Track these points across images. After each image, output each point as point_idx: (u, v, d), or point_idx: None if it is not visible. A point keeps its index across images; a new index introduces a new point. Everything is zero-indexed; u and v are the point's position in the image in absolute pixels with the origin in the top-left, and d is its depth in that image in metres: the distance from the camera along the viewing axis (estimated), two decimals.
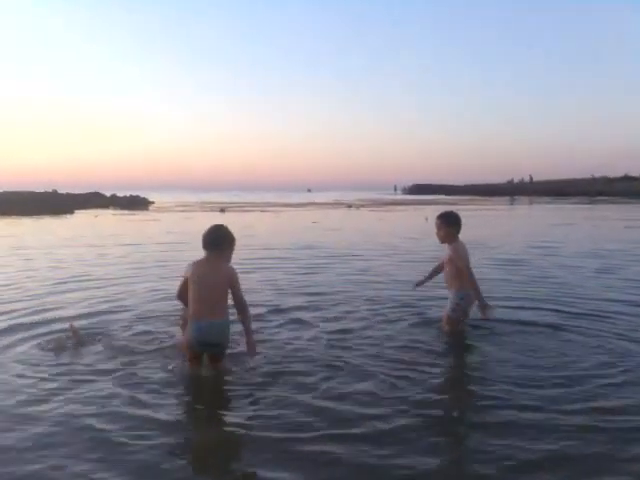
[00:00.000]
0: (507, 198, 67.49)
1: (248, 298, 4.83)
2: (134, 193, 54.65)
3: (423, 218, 28.00)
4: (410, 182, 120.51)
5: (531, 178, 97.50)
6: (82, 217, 31.33)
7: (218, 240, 4.73)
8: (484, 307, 5.53)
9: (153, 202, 52.12)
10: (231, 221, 28.00)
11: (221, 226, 4.84)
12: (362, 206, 47.55)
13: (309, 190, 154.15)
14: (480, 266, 10.49)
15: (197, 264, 4.66)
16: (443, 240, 5.84)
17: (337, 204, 53.28)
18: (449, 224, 5.77)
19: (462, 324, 5.89)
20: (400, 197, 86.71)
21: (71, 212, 35.01)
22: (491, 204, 49.93)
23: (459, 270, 5.63)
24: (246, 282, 8.99)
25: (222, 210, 39.99)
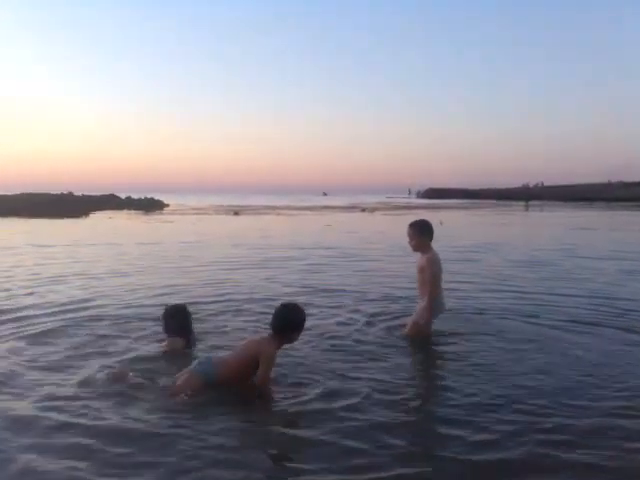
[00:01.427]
0: (522, 203, 67.02)
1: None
2: (149, 195, 54.76)
3: (437, 222, 27.93)
4: (424, 186, 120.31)
5: (542, 184, 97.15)
6: (98, 219, 31.48)
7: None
8: (423, 327, 5.70)
9: (168, 205, 52.31)
10: (244, 224, 28.45)
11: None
12: (376, 210, 47.42)
13: (325, 194, 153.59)
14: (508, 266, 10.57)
15: None
16: (415, 249, 5.85)
17: (351, 208, 53.20)
18: (421, 233, 5.78)
19: (429, 331, 5.81)
20: (415, 201, 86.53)
21: (86, 214, 35.20)
22: (505, 210, 49.49)
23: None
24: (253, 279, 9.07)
25: (236, 213, 40.07)
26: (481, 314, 7.10)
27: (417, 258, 5.91)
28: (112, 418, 3.83)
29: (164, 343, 5.31)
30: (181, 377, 4.27)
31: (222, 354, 4.59)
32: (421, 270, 5.72)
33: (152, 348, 5.40)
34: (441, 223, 27.02)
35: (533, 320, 6.78)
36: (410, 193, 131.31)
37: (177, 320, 5.29)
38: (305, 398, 4.20)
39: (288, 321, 4.36)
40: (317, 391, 4.31)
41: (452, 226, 25.81)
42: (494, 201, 74.60)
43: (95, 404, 4.06)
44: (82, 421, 3.78)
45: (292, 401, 4.16)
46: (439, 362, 5.33)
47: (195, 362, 4.38)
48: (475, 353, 5.41)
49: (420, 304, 5.77)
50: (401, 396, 4.33)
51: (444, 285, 5.96)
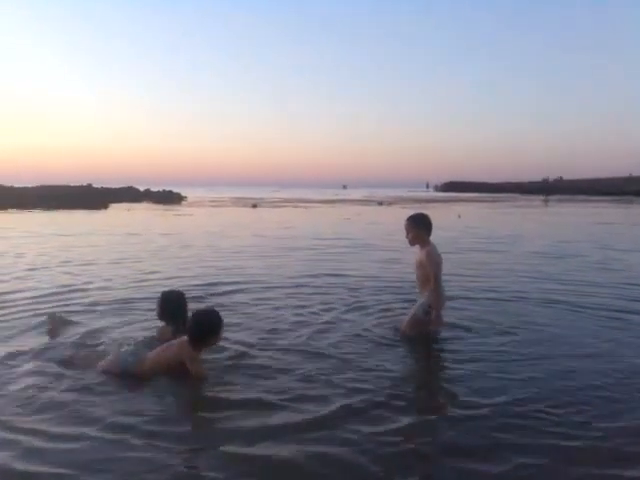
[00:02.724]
0: (541, 197, 66.24)
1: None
2: (167, 188, 55.05)
3: (456, 215, 27.77)
4: (442, 179, 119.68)
5: (561, 178, 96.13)
6: (117, 211, 31.72)
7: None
8: (437, 320, 5.50)
9: (186, 197, 52.55)
10: (262, 216, 28.56)
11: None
12: (393, 203, 47.18)
13: (345, 187, 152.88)
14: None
15: None
16: (412, 243, 5.63)
17: (368, 201, 53.02)
18: (418, 226, 5.56)
19: (425, 328, 5.61)
20: (433, 194, 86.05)
21: (105, 206, 35.45)
22: (524, 203, 48.99)
23: (428, 275, 5.46)
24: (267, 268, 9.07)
25: (254, 206, 40.10)
26: (511, 301, 7.28)
27: (415, 252, 5.71)
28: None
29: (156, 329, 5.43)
30: (109, 357, 4.55)
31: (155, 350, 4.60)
32: (420, 265, 5.53)
33: (144, 333, 5.53)
34: (459, 216, 26.92)
35: (576, 309, 6.88)
36: (428, 187, 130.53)
37: (169, 306, 5.34)
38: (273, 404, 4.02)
39: (203, 327, 4.42)
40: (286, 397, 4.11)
41: (470, 219, 25.65)
42: (513, 195, 73.82)
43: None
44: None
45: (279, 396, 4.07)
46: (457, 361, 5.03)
47: (130, 348, 4.59)
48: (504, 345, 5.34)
49: (420, 300, 5.58)
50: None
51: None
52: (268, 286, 8.27)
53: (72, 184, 43.69)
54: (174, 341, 4.60)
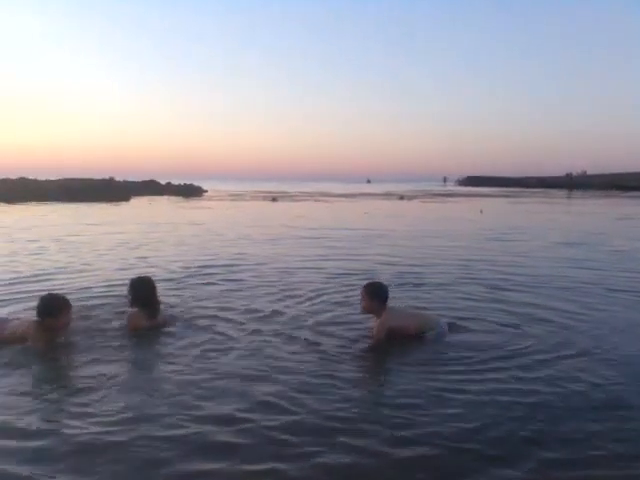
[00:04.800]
0: (565, 191, 65.27)
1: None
2: (188, 182, 55.23)
3: (478, 210, 27.47)
4: (460, 174, 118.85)
5: (584, 172, 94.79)
6: (139, 203, 31.95)
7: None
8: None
9: (206, 191, 52.73)
10: (281, 210, 28.56)
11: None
12: (414, 197, 46.90)
13: (368, 181, 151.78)
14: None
15: None
16: (365, 311, 5.41)
17: (389, 195, 52.74)
18: (372, 299, 5.28)
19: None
20: (453, 188, 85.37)
21: (127, 199, 35.74)
22: (548, 198, 48.38)
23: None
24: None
25: (274, 199, 40.11)
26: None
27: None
28: None
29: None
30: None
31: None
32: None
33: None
34: (481, 212, 26.62)
35: None
36: (446, 181, 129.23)
37: (142, 293, 5.59)
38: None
39: (45, 308, 4.96)
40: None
41: (492, 214, 25.37)
42: (536, 189, 72.92)
43: None
44: None
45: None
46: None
47: None
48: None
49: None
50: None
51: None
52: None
53: (95, 177, 44.05)
54: (23, 321, 5.14)
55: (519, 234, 15.66)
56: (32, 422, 3.53)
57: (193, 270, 9.02)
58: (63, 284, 7.74)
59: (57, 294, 5.32)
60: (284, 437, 3.37)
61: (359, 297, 5.47)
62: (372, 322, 5.44)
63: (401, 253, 11.42)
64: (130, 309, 5.64)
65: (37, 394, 3.97)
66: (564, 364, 4.64)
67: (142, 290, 5.64)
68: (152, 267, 9.33)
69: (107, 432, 3.41)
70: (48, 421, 3.55)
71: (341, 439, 3.35)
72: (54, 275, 8.58)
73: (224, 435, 3.40)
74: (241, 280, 8.25)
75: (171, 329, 5.58)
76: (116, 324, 5.65)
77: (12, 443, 3.28)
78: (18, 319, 5.31)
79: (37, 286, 7.48)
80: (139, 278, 5.86)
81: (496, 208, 31.54)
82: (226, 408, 3.76)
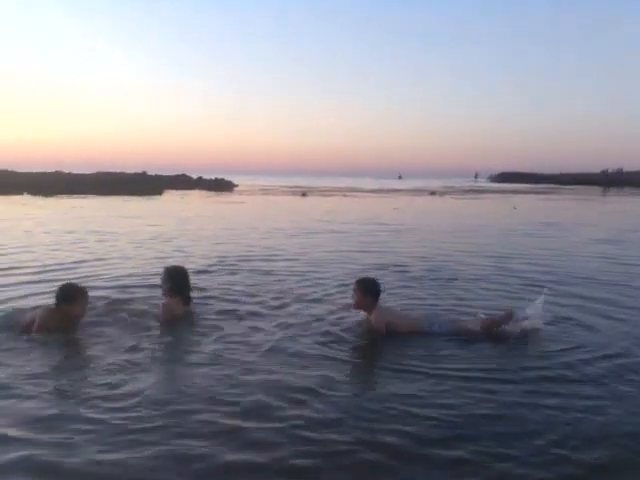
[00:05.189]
0: (600, 189, 63.86)
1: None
2: (219, 176, 55.64)
3: (511, 207, 27.09)
4: (492, 170, 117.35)
5: (621, 170, 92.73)
6: (172, 197, 32.29)
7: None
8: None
9: (237, 185, 53.03)
10: (311, 204, 28.60)
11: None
12: (446, 193, 46.45)
13: (400, 177, 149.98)
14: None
15: None
16: (356, 307, 5.41)
17: (420, 191, 52.34)
18: (365, 294, 5.28)
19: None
20: (485, 185, 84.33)
21: (160, 193, 36.13)
22: (583, 195, 47.46)
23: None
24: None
25: (303, 194, 40.14)
26: None
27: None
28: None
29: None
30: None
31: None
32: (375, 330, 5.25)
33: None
34: (514, 208, 26.25)
35: None
36: (477, 177, 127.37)
37: (175, 280, 5.61)
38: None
39: (60, 294, 5.08)
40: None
41: (526, 210, 25.00)
42: (570, 187, 71.57)
43: None
44: None
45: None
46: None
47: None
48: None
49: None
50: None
51: None
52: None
53: (127, 171, 44.63)
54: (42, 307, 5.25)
55: (554, 230, 15.46)
56: (57, 412, 3.53)
57: (228, 261, 9.14)
58: (101, 273, 7.93)
59: (75, 283, 5.43)
60: (309, 434, 3.33)
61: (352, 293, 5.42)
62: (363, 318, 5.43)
63: (434, 248, 11.36)
64: (164, 298, 5.67)
65: (62, 383, 4.00)
66: (610, 364, 4.52)
67: (177, 278, 5.69)
68: (190, 256, 9.62)
69: (135, 421, 3.42)
70: (74, 412, 3.55)
71: (375, 436, 3.31)
72: (91, 264, 8.79)
73: (249, 427, 3.39)
74: (273, 271, 8.33)
75: (204, 319, 5.62)
76: (150, 313, 5.70)
77: (42, 431, 3.30)
78: (39, 307, 5.42)
79: (73, 274, 7.63)
80: (174, 267, 5.94)
81: (530, 204, 31.08)
82: (250, 401, 3.74)
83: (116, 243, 11.31)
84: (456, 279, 7.97)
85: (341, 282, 7.45)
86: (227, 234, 13.47)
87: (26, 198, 28.09)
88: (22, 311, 5.38)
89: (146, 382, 4.00)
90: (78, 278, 6.98)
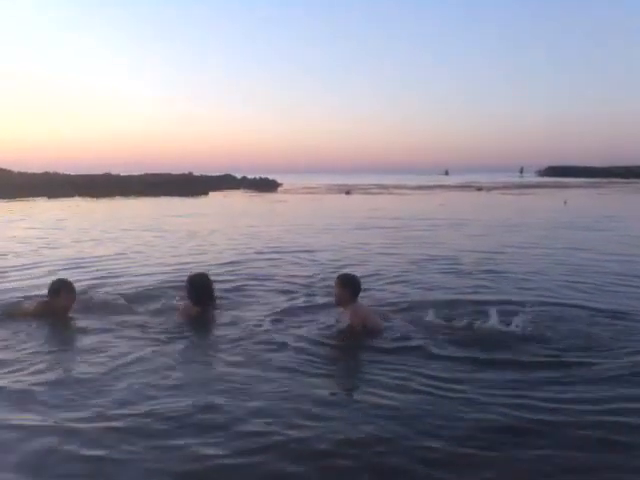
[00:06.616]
0: None
1: None
2: (263, 176, 55.99)
3: (561, 201, 26.36)
4: (539, 164, 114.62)
5: None
6: (218, 197, 32.71)
7: None
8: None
9: (281, 184, 53.27)
10: (356, 202, 28.50)
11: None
12: (493, 189, 45.54)
13: (447, 172, 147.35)
14: None
15: None
16: (338, 303, 5.32)
17: (466, 187, 51.49)
18: (345, 287, 5.21)
19: None
20: (533, 179, 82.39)
21: (206, 193, 36.60)
22: (637, 187, 45.83)
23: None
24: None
25: (347, 192, 40.01)
26: None
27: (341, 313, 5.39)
28: None
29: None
30: None
31: None
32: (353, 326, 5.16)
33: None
34: (565, 202, 25.49)
35: None
36: (523, 172, 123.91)
37: (195, 288, 5.66)
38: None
39: (49, 288, 5.51)
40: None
41: (577, 205, 24.31)
42: (624, 180, 69.20)
43: None
44: None
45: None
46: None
47: None
48: None
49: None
50: None
51: None
52: None
53: (174, 172, 45.36)
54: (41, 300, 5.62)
55: (609, 223, 14.98)
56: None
57: (284, 254, 9.84)
58: (171, 267, 8.61)
59: (62, 278, 5.82)
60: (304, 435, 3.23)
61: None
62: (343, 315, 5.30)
63: (483, 242, 11.21)
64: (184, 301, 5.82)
65: (70, 379, 4.03)
66: None
67: (197, 287, 5.70)
68: (248, 248, 10.52)
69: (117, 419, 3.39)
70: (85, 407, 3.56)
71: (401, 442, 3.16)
72: (147, 255, 9.82)
73: (247, 431, 3.29)
74: (323, 263, 8.79)
75: (227, 317, 5.68)
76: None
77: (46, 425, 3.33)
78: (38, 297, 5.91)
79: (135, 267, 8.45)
80: (196, 275, 5.89)
81: (581, 199, 30.10)
82: (269, 402, 3.64)
83: (176, 239, 12.30)
84: (505, 272, 7.95)
85: (394, 274, 7.81)
86: (277, 231, 13.89)
87: (76, 200, 28.77)
88: (23, 301, 5.99)
89: (129, 382, 3.95)
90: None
